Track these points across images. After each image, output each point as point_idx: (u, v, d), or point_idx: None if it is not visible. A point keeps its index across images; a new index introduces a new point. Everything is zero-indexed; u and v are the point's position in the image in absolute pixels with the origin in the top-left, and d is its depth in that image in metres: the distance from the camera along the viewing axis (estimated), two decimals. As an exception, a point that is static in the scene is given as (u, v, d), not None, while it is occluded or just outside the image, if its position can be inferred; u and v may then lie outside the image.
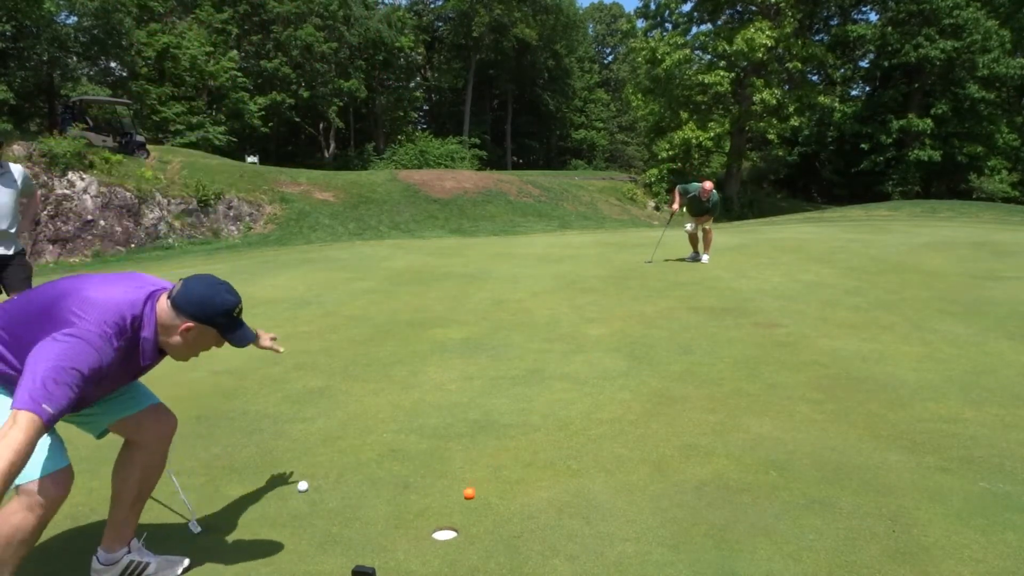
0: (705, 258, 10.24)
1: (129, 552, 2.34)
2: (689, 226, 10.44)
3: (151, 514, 2.81)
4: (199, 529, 2.69)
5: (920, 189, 34.15)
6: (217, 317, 2.03)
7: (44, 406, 1.72)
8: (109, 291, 2.02)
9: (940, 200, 24.92)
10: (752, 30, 30.56)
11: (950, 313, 6.08)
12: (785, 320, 5.97)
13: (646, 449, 3.35)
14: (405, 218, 22.97)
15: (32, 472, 1.95)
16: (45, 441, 1.99)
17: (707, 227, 10.33)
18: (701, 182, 10.14)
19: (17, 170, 5.16)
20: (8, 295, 5.17)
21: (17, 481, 1.90)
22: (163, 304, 2.04)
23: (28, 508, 1.94)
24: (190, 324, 2.02)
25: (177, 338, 2.05)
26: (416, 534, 2.62)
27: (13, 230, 5.09)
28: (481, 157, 44.75)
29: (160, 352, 2.13)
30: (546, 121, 58.20)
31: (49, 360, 1.80)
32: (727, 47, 31.09)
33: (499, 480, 3.06)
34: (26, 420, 1.69)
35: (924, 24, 32.29)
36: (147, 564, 2.36)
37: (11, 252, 5.13)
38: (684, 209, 10.40)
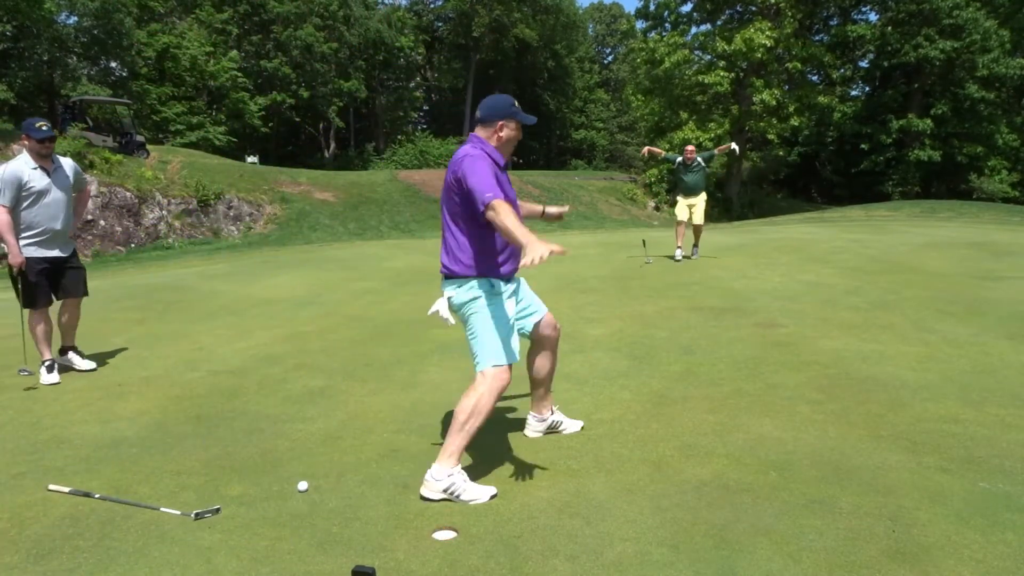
0: (696, 253, 10.29)
1: (553, 414, 3.54)
2: (682, 213, 10.24)
3: (151, 514, 2.81)
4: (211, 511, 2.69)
5: (920, 189, 34.13)
6: (510, 108, 2.99)
7: (489, 194, 2.70)
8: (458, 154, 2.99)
9: (940, 200, 24.92)
10: (751, 30, 30.56)
11: (950, 313, 6.07)
12: (785, 320, 5.97)
13: (646, 449, 3.34)
14: (405, 218, 22.98)
15: (497, 359, 2.89)
16: (509, 338, 2.95)
17: (697, 219, 10.19)
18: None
19: (68, 164, 4.91)
20: (62, 299, 4.95)
21: (480, 367, 2.90)
22: (476, 133, 3.01)
23: (490, 390, 2.86)
24: (501, 122, 2.97)
25: (498, 135, 2.98)
26: (416, 534, 2.62)
27: (68, 229, 4.89)
28: (481, 157, 44.66)
29: (503, 163, 3.03)
30: (546, 121, 58.18)
31: (470, 178, 2.79)
32: (726, 47, 31.08)
33: (499, 480, 3.05)
34: (499, 202, 2.68)
35: (924, 24, 32.27)
36: (563, 424, 3.57)
37: (67, 254, 4.91)
38: (679, 196, 10.42)
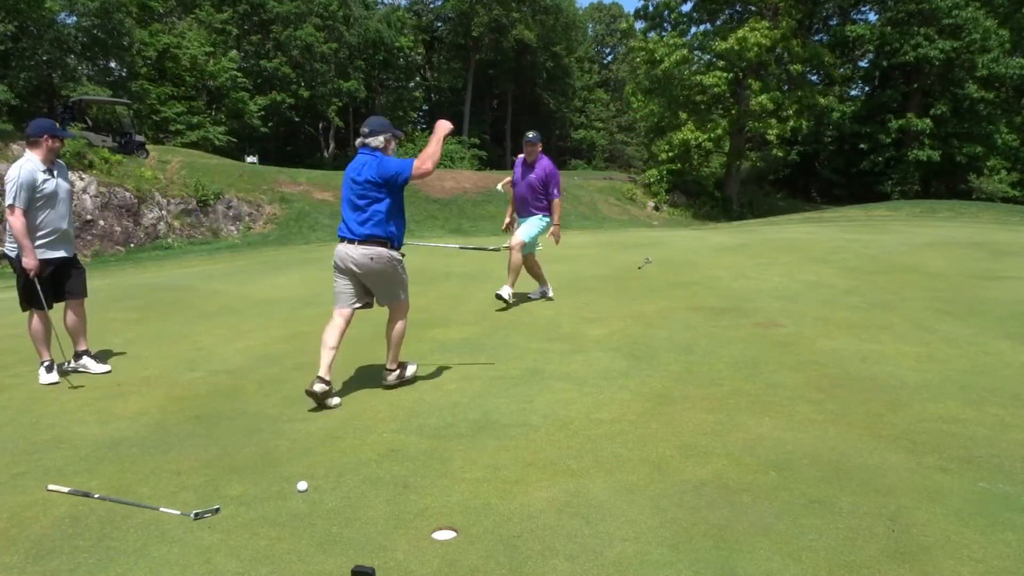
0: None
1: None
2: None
3: (150, 514, 2.81)
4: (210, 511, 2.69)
5: (919, 189, 34.10)
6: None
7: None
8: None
9: (939, 200, 24.88)
10: (747, 29, 30.53)
11: (950, 313, 6.07)
12: (785, 320, 5.97)
13: (646, 449, 3.34)
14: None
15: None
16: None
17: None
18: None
19: (62, 164, 4.93)
20: (64, 300, 4.93)
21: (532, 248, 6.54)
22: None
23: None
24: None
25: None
26: (416, 534, 2.62)
27: (71, 229, 4.92)
28: (481, 157, 44.69)
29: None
30: (546, 121, 58.12)
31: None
32: (723, 45, 31.06)
33: (499, 480, 3.06)
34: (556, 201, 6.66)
35: (923, 24, 32.26)
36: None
37: (71, 255, 4.92)
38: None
